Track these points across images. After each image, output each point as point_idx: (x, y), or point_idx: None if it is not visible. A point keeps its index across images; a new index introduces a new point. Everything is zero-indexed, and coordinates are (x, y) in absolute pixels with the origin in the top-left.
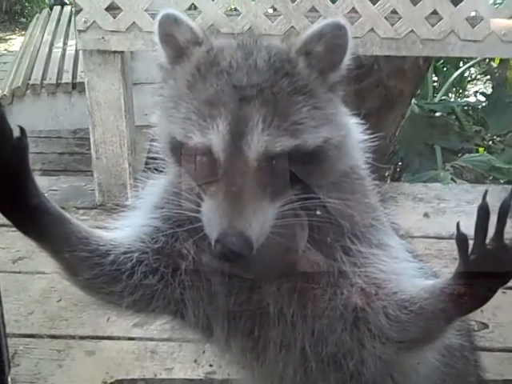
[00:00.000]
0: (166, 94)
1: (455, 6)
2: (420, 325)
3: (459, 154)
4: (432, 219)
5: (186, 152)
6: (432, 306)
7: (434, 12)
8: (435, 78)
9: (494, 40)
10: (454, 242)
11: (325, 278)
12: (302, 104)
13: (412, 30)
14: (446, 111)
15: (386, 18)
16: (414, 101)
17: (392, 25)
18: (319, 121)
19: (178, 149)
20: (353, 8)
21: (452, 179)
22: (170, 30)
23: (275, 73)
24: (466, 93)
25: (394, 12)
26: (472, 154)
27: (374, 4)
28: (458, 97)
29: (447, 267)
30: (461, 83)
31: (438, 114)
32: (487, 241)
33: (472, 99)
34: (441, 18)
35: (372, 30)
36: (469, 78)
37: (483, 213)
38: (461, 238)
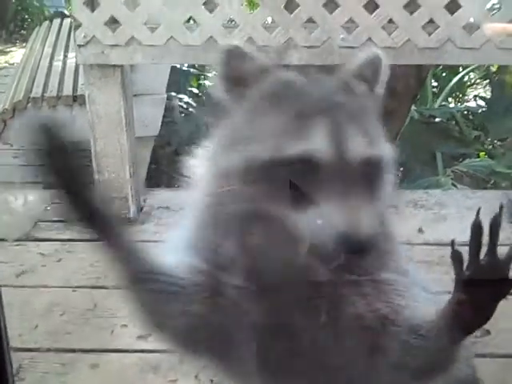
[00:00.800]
0: (231, 125)
1: (451, 14)
2: (428, 348)
3: (460, 160)
4: (434, 226)
5: (276, 165)
6: (437, 328)
7: (431, 21)
8: (435, 84)
9: (491, 47)
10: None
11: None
12: (372, 119)
13: (409, 39)
14: (445, 117)
15: (383, 27)
16: (413, 107)
17: (389, 34)
18: (382, 134)
19: (259, 168)
20: (350, 18)
21: (453, 184)
22: (235, 64)
23: (348, 94)
24: (466, 97)
25: (391, 21)
26: (472, 159)
27: (371, 13)
28: (458, 102)
29: (448, 274)
30: (460, 88)
31: (437, 120)
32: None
33: (472, 104)
34: (437, 27)
35: (369, 39)
36: (468, 83)
37: (476, 230)
38: (455, 256)
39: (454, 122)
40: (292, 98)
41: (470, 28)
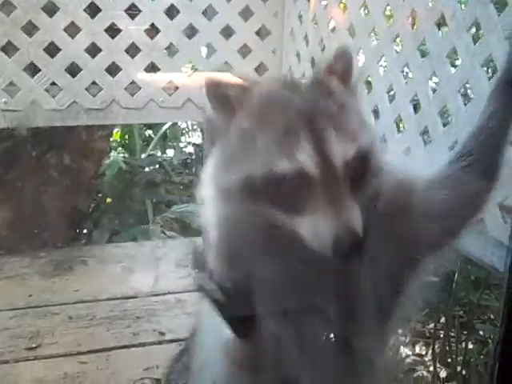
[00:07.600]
0: (226, 145)
1: (113, 76)
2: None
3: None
4: (124, 278)
5: (270, 182)
6: None
7: (94, 83)
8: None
9: (153, 106)
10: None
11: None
12: (350, 113)
13: (74, 101)
14: (153, 166)
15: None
16: (121, 158)
17: (53, 96)
18: (362, 125)
19: (254, 186)
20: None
21: (163, 232)
22: (219, 91)
23: (324, 95)
24: (181, 144)
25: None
26: (180, 205)
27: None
28: (174, 148)
29: (129, 327)
30: (173, 137)
31: (147, 170)
32: None
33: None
34: (101, 88)
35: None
36: (182, 132)
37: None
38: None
39: (163, 171)
40: (275, 117)
41: (133, 89)
